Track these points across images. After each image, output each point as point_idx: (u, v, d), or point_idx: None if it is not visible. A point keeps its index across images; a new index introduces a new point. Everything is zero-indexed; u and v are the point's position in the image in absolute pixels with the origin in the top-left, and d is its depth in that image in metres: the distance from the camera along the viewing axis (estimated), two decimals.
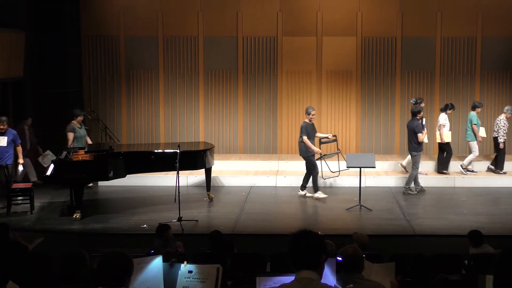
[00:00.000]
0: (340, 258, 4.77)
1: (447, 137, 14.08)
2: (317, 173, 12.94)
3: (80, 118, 13.58)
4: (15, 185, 12.36)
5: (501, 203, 12.73)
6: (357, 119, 15.74)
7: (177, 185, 11.11)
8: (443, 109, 14.22)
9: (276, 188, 14.04)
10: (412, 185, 13.30)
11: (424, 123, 13.25)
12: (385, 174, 14.31)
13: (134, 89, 15.86)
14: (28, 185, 12.38)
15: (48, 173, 11.54)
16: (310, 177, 12.97)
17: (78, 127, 13.50)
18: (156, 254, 5.37)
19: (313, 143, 12.79)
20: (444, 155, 14.26)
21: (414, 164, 13.21)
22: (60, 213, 12.11)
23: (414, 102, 13.84)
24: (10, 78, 14.15)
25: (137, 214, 12.05)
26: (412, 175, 13.27)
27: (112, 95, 15.88)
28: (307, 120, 12.84)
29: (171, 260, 5.17)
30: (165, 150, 12.36)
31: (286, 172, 14.53)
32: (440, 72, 15.59)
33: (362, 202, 12.17)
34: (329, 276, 4.52)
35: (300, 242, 3.64)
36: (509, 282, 3.79)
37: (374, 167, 12.59)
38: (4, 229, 7.95)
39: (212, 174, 13.08)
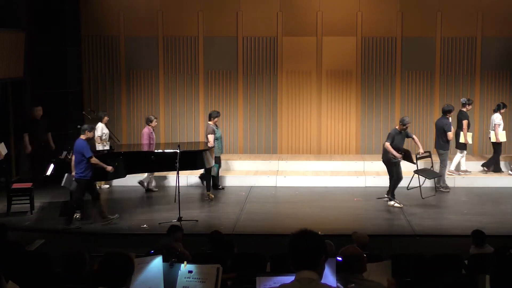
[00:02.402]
0: (340, 258, 4.77)
1: (502, 136, 14.10)
2: (396, 181, 12.39)
3: (216, 119, 13.15)
4: (15, 185, 12.36)
5: (501, 203, 12.72)
6: (357, 119, 15.72)
7: (177, 185, 11.11)
8: (496, 110, 14.22)
9: (276, 188, 14.03)
10: (444, 183, 13.42)
11: (450, 121, 13.35)
12: (385, 174, 14.26)
13: (134, 89, 15.85)
14: (28, 185, 12.36)
15: (48, 173, 11.53)
16: (394, 184, 12.46)
17: (216, 128, 13.13)
18: (156, 254, 5.37)
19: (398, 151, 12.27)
20: (495, 155, 14.24)
21: (442, 162, 13.30)
22: (60, 213, 12.09)
23: (464, 102, 13.90)
24: (10, 78, 14.13)
25: (137, 214, 12.05)
26: (442, 173, 13.37)
27: (112, 95, 15.87)
28: (397, 128, 12.46)
29: (171, 260, 5.17)
30: (165, 150, 12.36)
31: (286, 172, 14.52)
32: (440, 72, 15.58)
33: (363, 202, 12.18)
34: (329, 276, 4.51)
35: (300, 242, 3.63)
36: (504, 282, 3.79)
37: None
38: (3, 229, 7.94)
39: None
